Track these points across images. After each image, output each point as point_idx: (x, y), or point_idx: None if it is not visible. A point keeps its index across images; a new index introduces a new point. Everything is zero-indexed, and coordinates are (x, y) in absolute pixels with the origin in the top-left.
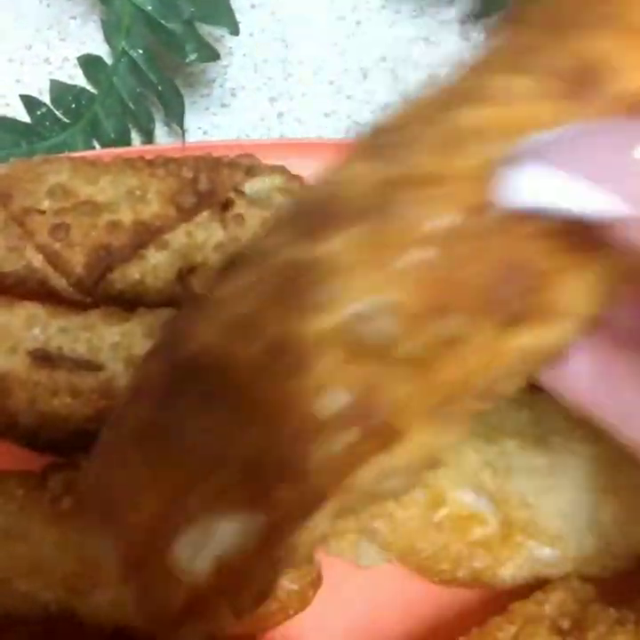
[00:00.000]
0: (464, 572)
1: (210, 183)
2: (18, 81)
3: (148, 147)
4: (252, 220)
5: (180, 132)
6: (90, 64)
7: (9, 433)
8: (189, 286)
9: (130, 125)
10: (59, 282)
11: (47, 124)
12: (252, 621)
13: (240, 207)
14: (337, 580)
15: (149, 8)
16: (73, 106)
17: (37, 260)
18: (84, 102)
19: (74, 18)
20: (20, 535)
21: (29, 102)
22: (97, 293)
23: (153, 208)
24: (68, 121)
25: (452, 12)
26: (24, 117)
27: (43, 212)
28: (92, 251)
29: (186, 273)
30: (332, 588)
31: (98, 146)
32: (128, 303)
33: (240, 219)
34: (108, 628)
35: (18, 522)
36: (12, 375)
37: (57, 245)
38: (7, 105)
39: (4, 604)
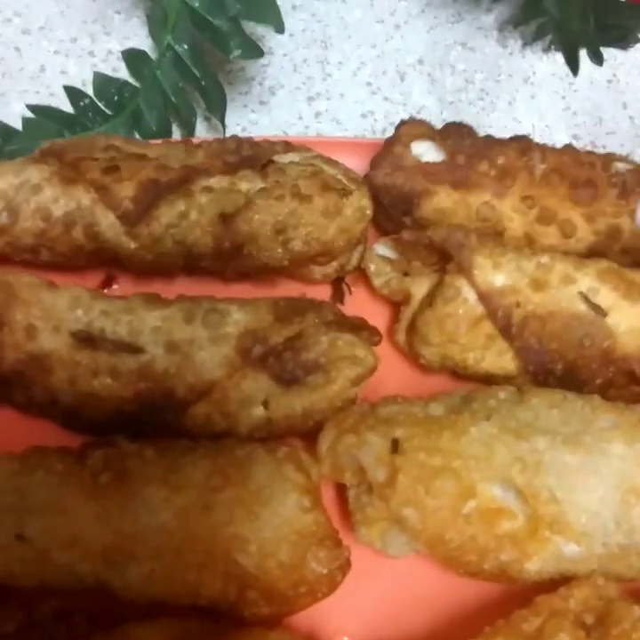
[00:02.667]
0: (491, 565)
1: (251, 150)
2: (63, 72)
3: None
4: (292, 172)
5: (219, 127)
6: (134, 58)
7: (49, 411)
8: (233, 227)
9: (171, 119)
10: (105, 219)
11: (90, 114)
12: (280, 604)
13: (281, 165)
14: (366, 567)
15: (196, 4)
16: (116, 98)
17: (87, 199)
18: (126, 95)
19: (118, 12)
20: (59, 508)
21: (73, 93)
22: (143, 230)
23: (199, 159)
24: (110, 113)
25: (490, 19)
26: (68, 108)
27: (96, 159)
28: (141, 185)
29: (230, 214)
30: (361, 576)
31: (139, 138)
32: (173, 245)
33: (281, 169)
34: (142, 603)
35: (57, 496)
36: (55, 355)
37: (108, 180)
38: (51, 95)
39: (41, 575)
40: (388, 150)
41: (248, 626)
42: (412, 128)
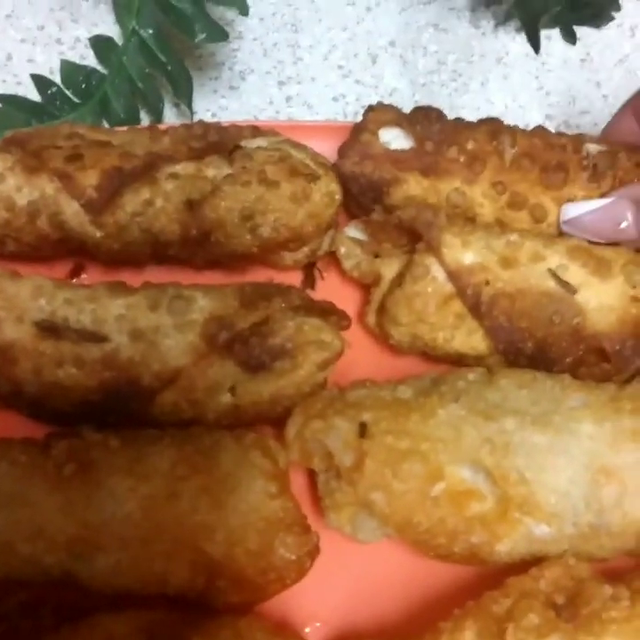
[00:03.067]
0: (461, 547)
1: (218, 135)
2: (30, 61)
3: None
4: (260, 158)
5: (188, 112)
6: (101, 45)
7: (14, 402)
8: (200, 214)
9: (139, 105)
10: (70, 207)
11: (57, 103)
12: (249, 591)
13: (248, 150)
14: (337, 553)
15: None
16: (83, 86)
17: (50, 188)
18: (94, 82)
19: None
20: (23, 500)
21: (40, 82)
22: (108, 219)
23: (165, 146)
24: (78, 101)
25: (462, 0)
26: (35, 96)
27: (59, 148)
28: (104, 173)
29: (196, 201)
30: (332, 561)
31: (107, 126)
32: (139, 233)
33: (248, 154)
34: (110, 593)
35: (21, 487)
36: (19, 345)
37: (71, 168)
38: (19, 83)
39: (6, 568)
40: (356, 138)
41: (218, 614)
42: (379, 114)
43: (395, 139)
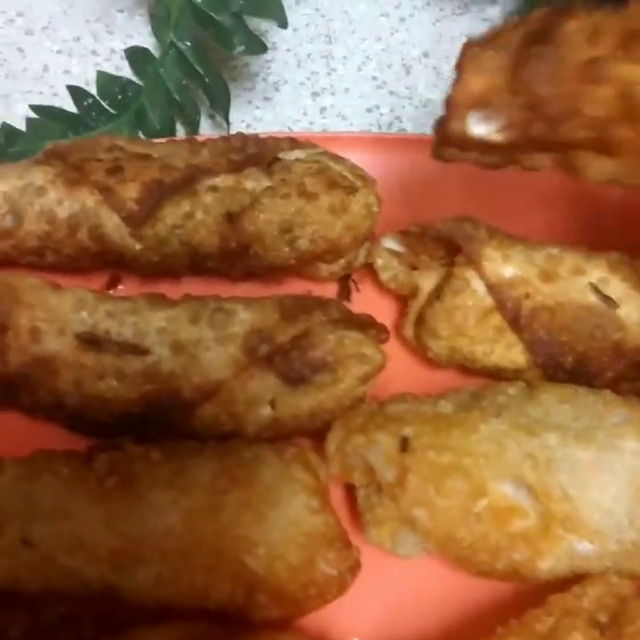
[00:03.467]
0: (503, 564)
1: (257, 147)
2: (66, 72)
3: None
4: (298, 170)
5: (224, 124)
6: (137, 56)
7: (55, 414)
8: (239, 227)
9: (175, 117)
10: (110, 220)
11: (94, 114)
12: (289, 606)
13: (286, 162)
14: (376, 568)
15: (199, 1)
16: (119, 97)
17: (91, 200)
18: (130, 93)
19: (121, 11)
20: (66, 512)
21: (77, 93)
22: (148, 231)
23: (204, 158)
24: (114, 112)
25: (496, 11)
26: (71, 108)
27: (100, 160)
28: (145, 186)
29: (235, 214)
30: (372, 576)
31: (143, 137)
32: (179, 245)
33: (287, 167)
34: (150, 606)
35: (63, 500)
36: (60, 357)
37: (111, 181)
38: (55, 95)
39: (47, 579)
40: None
41: (257, 628)
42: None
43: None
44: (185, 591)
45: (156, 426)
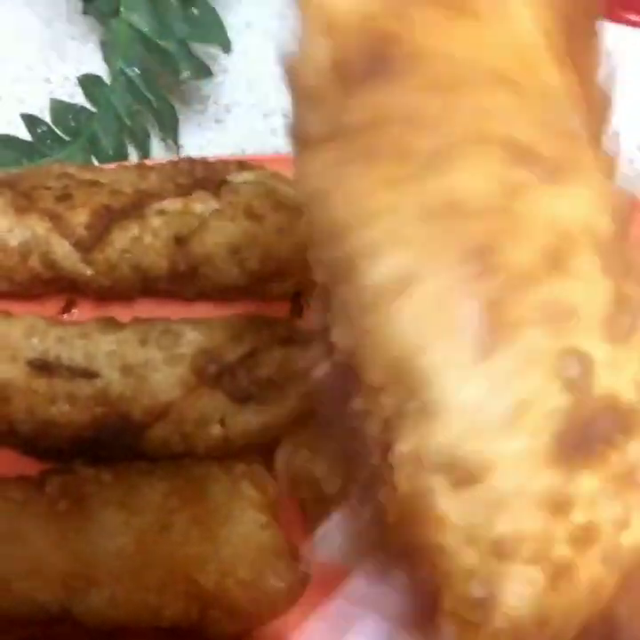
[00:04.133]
0: None
1: (205, 171)
2: (20, 100)
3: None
4: (246, 192)
5: (174, 147)
6: (89, 83)
7: (8, 440)
8: (188, 249)
9: (127, 142)
10: (61, 247)
11: (48, 141)
12: (242, 620)
13: (234, 185)
14: (326, 578)
15: (146, 29)
16: (72, 124)
17: (41, 227)
18: (83, 120)
19: (74, 38)
20: (19, 537)
21: (30, 121)
22: (98, 256)
23: (152, 183)
24: (67, 139)
25: None
26: (25, 136)
27: (49, 188)
28: (93, 212)
29: (184, 237)
30: (321, 587)
31: (96, 162)
32: (129, 269)
33: (235, 190)
34: (106, 628)
35: (16, 524)
36: (12, 384)
37: (61, 208)
38: (9, 123)
39: (4, 605)
40: None
41: None
42: None
43: None
44: (139, 611)
45: (108, 448)
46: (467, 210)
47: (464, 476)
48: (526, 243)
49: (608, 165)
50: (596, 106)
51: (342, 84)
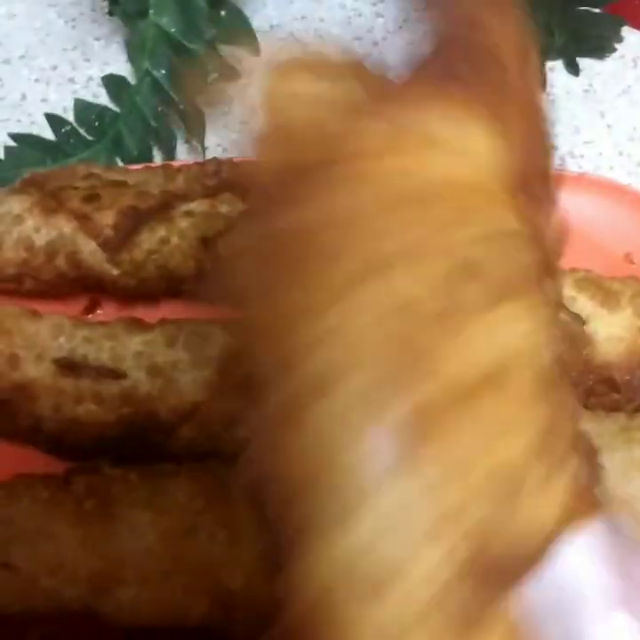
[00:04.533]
0: None
1: (232, 173)
2: (44, 100)
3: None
4: None
5: (200, 149)
6: (113, 83)
7: (34, 438)
8: (214, 251)
9: (151, 143)
10: (87, 247)
11: (71, 141)
12: (268, 621)
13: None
14: None
15: (173, 30)
16: (96, 124)
17: (68, 227)
18: (107, 120)
19: (98, 39)
20: (45, 535)
21: (54, 120)
22: (125, 257)
23: (179, 184)
24: (91, 138)
25: None
26: (49, 135)
27: (76, 188)
28: (121, 213)
29: (210, 238)
30: None
31: (120, 163)
32: (155, 270)
33: None
34: (129, 627)
35: (43, 523)
36: (39, 383)
37: (88, 209)
38: (33, 123)
39: (29, 601)
40: None
41: None
42: None
43: None
44: (164, 611)
45: (133, 448)
46: (407, 312)
47: (373, 586)
48: (466, 356)
49: (554, 298)
50: (546, 247)
51: (287, 187)
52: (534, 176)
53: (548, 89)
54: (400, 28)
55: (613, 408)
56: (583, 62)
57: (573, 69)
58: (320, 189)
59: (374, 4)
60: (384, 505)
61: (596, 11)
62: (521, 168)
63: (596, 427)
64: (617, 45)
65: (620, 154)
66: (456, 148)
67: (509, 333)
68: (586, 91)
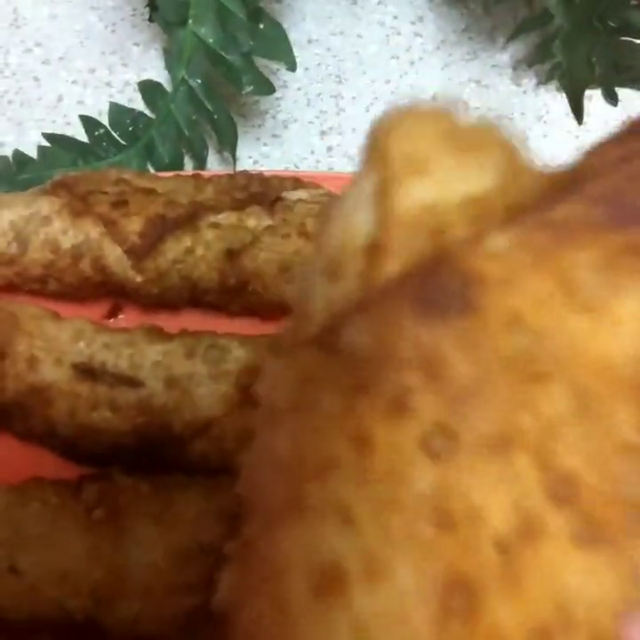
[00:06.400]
0: None
1: (260, 186)
2: (80, 102)
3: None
4: (300, 210)
5: (231, 160)
6: (149, 89)
7: (48, 442)
8: (239, 264)
9: (183, 151)
10: (113, 252)
11: (104, 144)
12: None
13: (289, 202)
14: None
15: (210, 40)
16: (130, 129)
17: (95, 232)
18: (141, 126)
19: (137, 45)
20: (53, 542)
21: (88, 123)
22: (149, 264)
23: (208, 195)
24: (124, 143)
25: (505, 58)
26: (83, 137)
27: (105, 193)
28: (148, 220)
29: (236, 251)
30: None
31: (152, 169)
32: (179, 279)
33: (289, 207)
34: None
35: (51, 529)
36: (56, 386)
37: (116, 214)
38: (68, 124)
39: (32, 608)
40: None
41: None
42: None
43: None
44: (167, 627)
45: (146, 457)
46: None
47: None
48: (515, 604)
49: None
50: None
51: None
52: None
53: (585, 118)
54: (438, 48)
55: None
56: (622, 92)
57: (612, 99)
58: (424, 315)
59: (413, 23)
60: None
61: (639, 41)
62: None
63: None
64: None
65: None
66: (602, 313)
67: (578, 589)
68: (624, 121)
